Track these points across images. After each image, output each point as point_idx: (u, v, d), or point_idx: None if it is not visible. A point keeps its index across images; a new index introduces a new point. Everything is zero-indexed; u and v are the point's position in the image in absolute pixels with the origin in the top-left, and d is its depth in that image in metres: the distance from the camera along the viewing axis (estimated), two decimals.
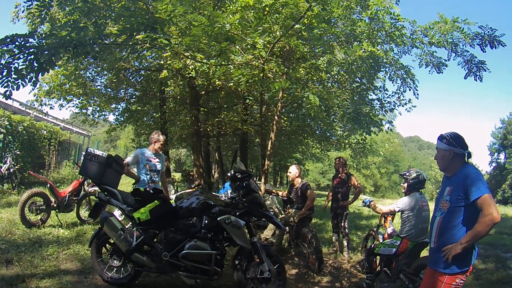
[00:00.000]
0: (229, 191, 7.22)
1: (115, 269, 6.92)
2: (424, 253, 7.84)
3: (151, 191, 7.03)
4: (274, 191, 11.52)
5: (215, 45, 8.31)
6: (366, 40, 9.11)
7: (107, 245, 7.06)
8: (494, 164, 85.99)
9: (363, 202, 8.71)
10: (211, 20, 7.21)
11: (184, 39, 8.07)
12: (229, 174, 7.17)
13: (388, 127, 15.46)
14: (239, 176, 6.83)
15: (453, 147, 4.43)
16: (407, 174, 7.88)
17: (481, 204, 4.00)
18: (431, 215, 5.04)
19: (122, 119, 22.54)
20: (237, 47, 8.66)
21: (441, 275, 4.23)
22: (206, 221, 6.57)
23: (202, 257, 6.40)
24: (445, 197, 4.37)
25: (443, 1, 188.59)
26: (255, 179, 11.38)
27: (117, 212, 7.96)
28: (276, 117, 11.53)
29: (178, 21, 7.21)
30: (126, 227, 7.05)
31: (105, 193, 7.03)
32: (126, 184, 19.04)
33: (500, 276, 9.11)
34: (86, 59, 8.14)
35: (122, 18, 7.28)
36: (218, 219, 6.36)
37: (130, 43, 7.48)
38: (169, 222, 6.62)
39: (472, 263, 4.26)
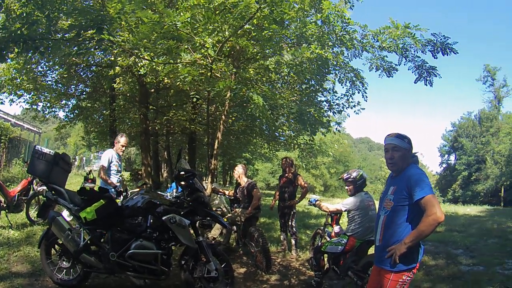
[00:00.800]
0: (174, 190, 7.22)
1: (64, 270, 6.78)
2: (372, 250, 7.97)
3: (100, 190, 6.91)
4: (221, 190, 11.47)
5: (163, 43, 8.30)
6: (316, 42, 9.20)
7: (56, 246, 6.93)
8: (444, 165, 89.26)
9: (309, 201, 8.74)
10: (161, 18, 7.20)
11: (132, 37, 8.05)
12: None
13: (337, 128, 15.63)
14: (183, 175, 6.77)
15: (411, 147, 4.53)
16: (352, 177, 7.91)
17: (424, 204, 4.07)
18: None
19: (72, 116, 22.23)
20: (186, 46, 8.64)
21: (387, 273, 4.29)
22: (151, 221, 6.55)
23: (148, 256, 6.35)
24: (389, 196, 4.45)
25: (398, 9, 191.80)
26: (204, 178, 11.39)
27: (65, 212, 7.88)
28: (223, 117, 11.52)
29: (128, 18, 7.18)
30: (74, 227, 6.87)
31: (53, 192, 6.93)
32: (76, 184, 18.82)
33: (451, 271, 9.41)
34: (36, 53, 7.99)
35: (73, 15, 7.19)
36: (163, 218, 6.30)
37: (80, 39, 7.44)
38: (115, 222, 6.52)
39: (418, 260, 4.35)
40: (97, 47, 7.97)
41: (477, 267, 9.92)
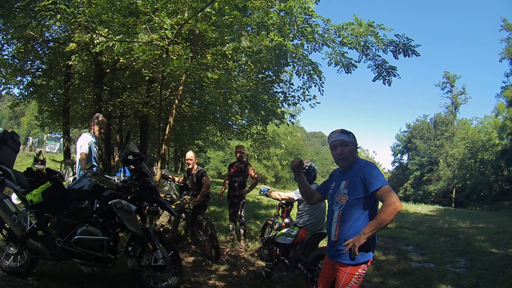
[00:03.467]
0: (122, 174, 7.01)
1: (12, 256, 6.47)
2: (323, 243, 7.93)
3: (48, 172, 6.58)
4: (171, 176, 11.30)
5: (120, 19, 8.09)
6: (276, 31, 9.10)
7: (4, 230, 6.59)
8: (396, 164, 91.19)
9: (260, 190, 8.67)
10: None
11: (89, 9, 7.82)
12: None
13: (290, 120, 15.60)
14: (131, 158, 6.59)
15: (356, 141, 4.55)
16: (305, 166, 7.82)
17: (382, 194, 4.10)
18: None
19: (26, 93, 21.81)
20: (143, 25, 8.45)
21: (344, 266, 4.26)
22: (98, 205, 6.30)
23: (94, 243, 6.08)
24: (343, 191, 4.40)
25: (365, 8, 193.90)
26: (155, 164, 11.19)
27: (14, 195, 7.59)
28: (176, 101, 11.39)
29: None
30: (21, 210, 6.58)
31: (0, 172, 6.61)
32: (27, 165, 18.35)
33: (402, 267, 9.51)
34: None
35: None
36: (109, 203, 6.08)
37: (36, 9, 7.20)
38: (62, 205, 6.22)
39: (372, 254, 4.35)
40: (54, 14, 7.70)
41: (427, 264, 10.09)
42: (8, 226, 6.36)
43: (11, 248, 6.45)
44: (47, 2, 7.08)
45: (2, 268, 6.41)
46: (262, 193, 8.52)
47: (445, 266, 9.80)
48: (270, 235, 8.78)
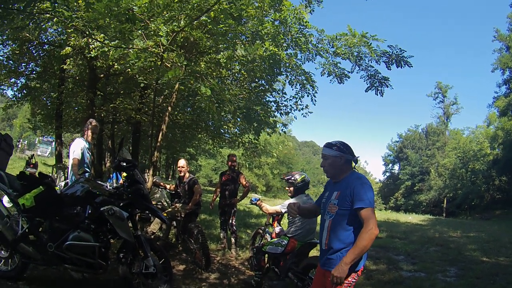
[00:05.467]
0: (114, 181, 7.00)
1: (3, 260, 6.44)
2: (313, 253, 7.95)
3: (40, 176, 6.57)
4: (162, 184, 11.28)
5: (116, 26, 8.10)
6: (270, 41, 9.14)
7: None
8: (388, 174, 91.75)
9: (250, 200, 8.69)
10: (116, 3, 7.00)
11: (86, 14, 7.83)
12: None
13: (282, 130, 15.64)
14: (123, 165, 6.60)
15: (344, 154, 4.54)
16: (293, 178, 7.90)
17: (363, 216, 4.15)
18: (319, 217, 5.08)
19: (20, 95, 21.78)
20: (140, 31, 8.46)
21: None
22: (90, 211, 6.26)
23: (86, 249, 6.06)
24: (334, 201, 4.44)
25: (358, 19, 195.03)
26: (147, 171, 11.17)
27: (6, 198, 7.54)
28: (169, 108, 11.39)
29: None
30: (13, 214, 6.55)
31: None
32: (18, 168, 18.31)
33: (392, 276, 9.53)
34: None
35: None
36: (101, 209, 6.07)
37: (34, 11, 7.21)
38: (54, 210, 6.20)
39: (363, 264, 4.39)
40: (52, 17, 7.70)
41: (418, 273, 10.09)
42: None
43: (2, 252, 6.44)
44: (45, 5, 7.09)
45: None
46: (252, 202, 8.52)
47: (436, 275, 9.82)
48: (260, 244, 8.79)
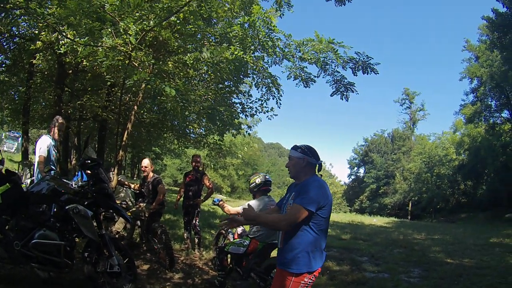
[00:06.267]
0: (79, 179, 6.99)
1: None
2: (275, 253, 8.04)
3: (6, 173, 6.53)
4: (127, 183, 11.25)
5: (87, 23, 8.10)
6: (238, 44, 9.21)
7: None
8: (353, 177, 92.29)
9: (213, 201, 8.69)
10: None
11: (58, 10, 7.81)
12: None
13: (247, 131, 15.75)
14: (88, 163, 6.62)
15: (307, 156, 4.66)
16: (250, 184, 8.09)
17: (291, 208, 4.37)
18: None
19: None
20: (109, 29, 8.46)
21: (289, 275, 4.37)
22: (55, 209, 6.28)
23: (51, 247, 6.03)
24: (290, 201, 4.55)
25: (326, 25, 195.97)
26: (112, 169, 11.14)
27: None
28: (135, 107, 11.45)
29: None
30: None
31: None
32: None
33: (356, 277, 9.65)
34: None
35: None
36: (66, 207, 6.05)
37: (7, 6, 7.18)
38: (20, 208, 6.17)
39: (320, 265, 4.45)
40: (25, 14, 7.66)
41: (382, 274, 10.27)
42: None
43: None
44: (20, 0, 7.07)
45: None
46: (214, 203, 8.56)
47: (399, 276, 10.00)
48: (222, 244, 8.85)
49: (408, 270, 10.74)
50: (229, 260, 8.37)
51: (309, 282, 4.40)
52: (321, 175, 4.85)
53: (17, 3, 7.65)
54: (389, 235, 18.98)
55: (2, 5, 7.46)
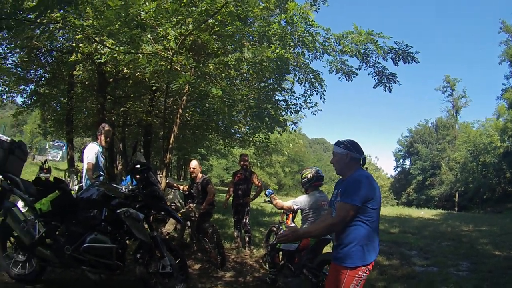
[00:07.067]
0: (129, 183, 7.07)
1: (20, 264, 6.51)
2: (327, 249, 7.97)
3: (55, 181, 6.65)
4: (175, 184, 11.41)
5: (126, 32, 8.18)
6: (278, 41, 9.21)
7: (12, 238, 6.67)
8: (399, 169, 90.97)
9: (265, 192, 8.74)
10: (127, 5, 7.08)
11: (97, 21, 7.91)
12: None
13: (293, 128, 15.68)
14: (138, 168, 6.68)
15: (350, 151, 4.64)
16: (303, 177, 7.99)
17: (338, 208, 4.37)
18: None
19: (29, 102, 21.73)
20: (148, 35, 8.53)
21: (344, 269, 4.36)
22: (106, 214, 6.34)
23: (103, 250, 6.12)
24: (338, 198, 4.55)
25: (363, 16, 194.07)
26: (159, 172, 11.24)
27: (20, 203, 7.62)
28: (180, 110, 11.47)
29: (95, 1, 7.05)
30: (29, 218, 6.60)
31: (8, 181, 6.64)
32: (31, 173, 18.40)
33: (405, 271, 9.54)
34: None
35: None
36: (118, 211, 6.14)
37: (44, 21, 7.27)
38: (70, 214, 6.30)
39: (374, 258, 4.44)
40: (63, 27, 7.77)
41: (431, 268, 10.14)
42: (16, 234, 6.45)
43: (20, 256, 6.53)
44: (56, 15, 7.17)
45: (11, 275, 6.49)
46: (267, 195, 8.58)
47: (448, 269, 9.86)
48: (273, 242, 8.82)
49: (456, 263, 10.62)
50: (280, 257, 8.36)
51: (363, 275, 4.38)
52: (366, 168, 4.84)
53: (56, 17, 7.76)
54: (437, 227, 18.73)
55: (38, 21, 7.53)
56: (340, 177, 4.81)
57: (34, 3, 7.26)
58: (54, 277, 6.97)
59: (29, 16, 7.39)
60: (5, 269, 6.57)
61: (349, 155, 4.64)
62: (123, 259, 6.40)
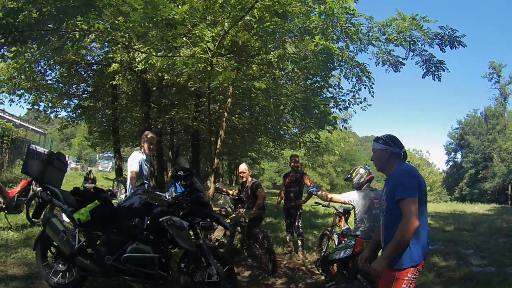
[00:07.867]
0: (173, 190, 6.90)
1: (60, 273, 6.61)
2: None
3: (95, 191, 6.74)
4: (224, 189, 11.24)
5: (158, 33, 8.00)
6: (320, 35, 8.95)
7: (52, 248, 6.77)
8: (451, 163, 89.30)
9: (311, 191, 8.53)
10: (154, 10, 6.86)
11: (124, 24, 7.77)
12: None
13: (343, 125, 15.39)
14: (181, 174, 6.55)
15: (389, 146, 4.62)
16: (354, 175, 7.72)
17: (402, 207, 4.14)
18: None
19: (74, 115, 22.21)
20: (184, 38, 8.37)
21: (393, 271, 4.23)
22: (148, 222, 6.32)
23: (145, 260, 6.09)
24: (383, 197, 4.55)
25: (403, 2, 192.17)
26: (209, 178, 11.08)
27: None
28: (225, 114, 11.36)
29: (120, 5, 6.91)
30: (70, 228, 6.70)
31: (47, 192, 6.76)
32: (78, 184, 18.58)
33: (463, 273, 9.13)
34: (23, 45, 7.71)
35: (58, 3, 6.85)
36: (160, 220, 6.05)
37: (68, 29, 7.19)
38: (111, 223, 6.30)
39: (423, 257, 4.30)
40: (88, 33, 7.68)
41: (488, 267, 9.69)
42: (56, 244, 6.53)
43: (60, 265, 6.65)
44: (78, 19, 7.07)
45: (51, 284, 6.66)
46: (314, 194, 8.35)
47: (506, 269, 9.43)
48: (325, 253, 8.68)
49: None
50: (335, 266, 8.01)
51: (413, 277, 4.23)
52: (409, 162, 4.77)
53: (77, 23, 7.67)
54: (492, 223, 18.17)
55: (63, 30, 7.43)
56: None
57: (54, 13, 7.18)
58: (95, 285, 7.12)
59: (48, 25, 7.30)
60: (44, 278, 6.71)
61: (389, 150, 4.60)
62: (167, 268, 6.35)
